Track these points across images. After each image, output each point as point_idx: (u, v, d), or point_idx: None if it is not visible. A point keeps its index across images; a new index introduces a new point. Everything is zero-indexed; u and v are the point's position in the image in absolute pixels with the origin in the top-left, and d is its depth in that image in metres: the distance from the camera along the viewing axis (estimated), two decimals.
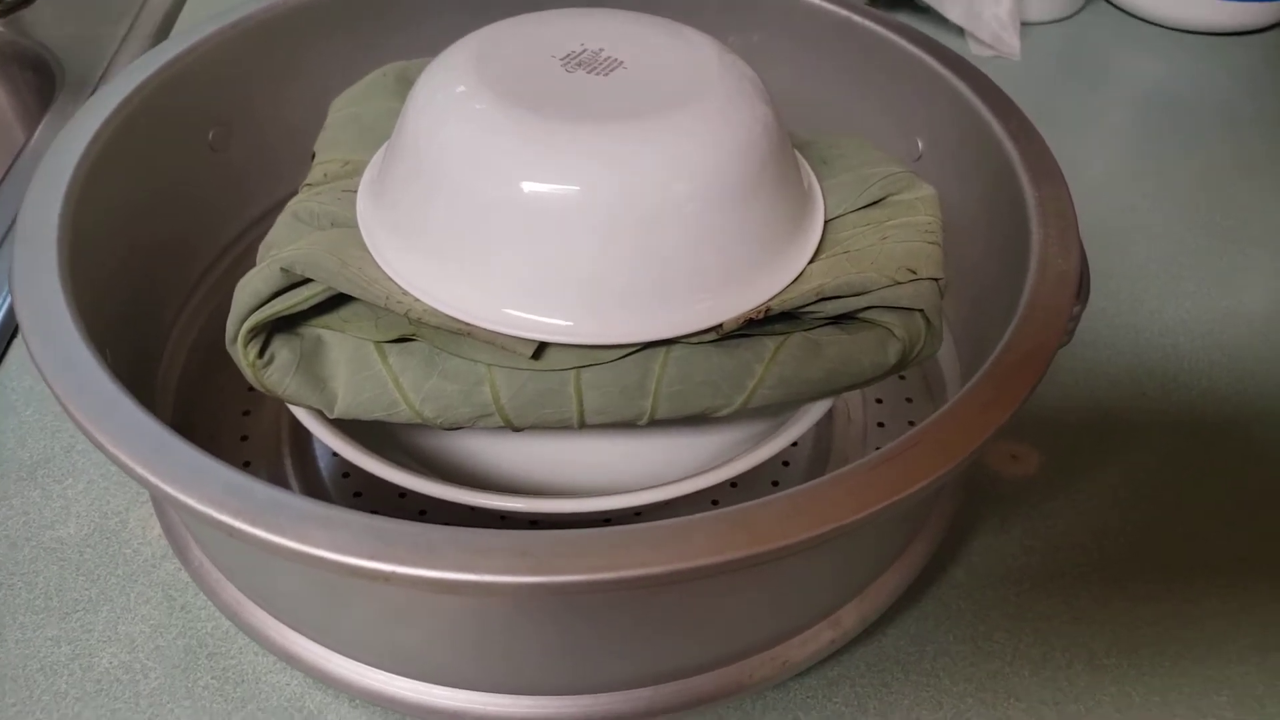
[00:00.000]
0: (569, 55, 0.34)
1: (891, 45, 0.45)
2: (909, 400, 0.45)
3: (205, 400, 0.43)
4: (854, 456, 0.42)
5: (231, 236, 0.45)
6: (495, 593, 0.24)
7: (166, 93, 0.40)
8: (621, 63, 0.33)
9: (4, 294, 0.50)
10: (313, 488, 0.41)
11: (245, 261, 0.45)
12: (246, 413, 0.43)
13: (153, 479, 0.25)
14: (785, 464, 0.42)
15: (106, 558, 0.39)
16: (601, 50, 0.34)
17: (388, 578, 0.24)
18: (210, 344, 0.43)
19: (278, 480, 0.41)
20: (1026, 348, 0.30)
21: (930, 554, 0.37)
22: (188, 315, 0.43)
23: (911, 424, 0.44)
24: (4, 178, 0.58)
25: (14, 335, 0.49)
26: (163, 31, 0.70)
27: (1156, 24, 0.74)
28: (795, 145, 0.38)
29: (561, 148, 0.30)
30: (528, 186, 0.30)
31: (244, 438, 0.43)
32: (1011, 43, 0.71)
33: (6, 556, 0.39)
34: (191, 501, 0.25)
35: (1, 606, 0.38)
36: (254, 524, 0.24)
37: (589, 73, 0.33)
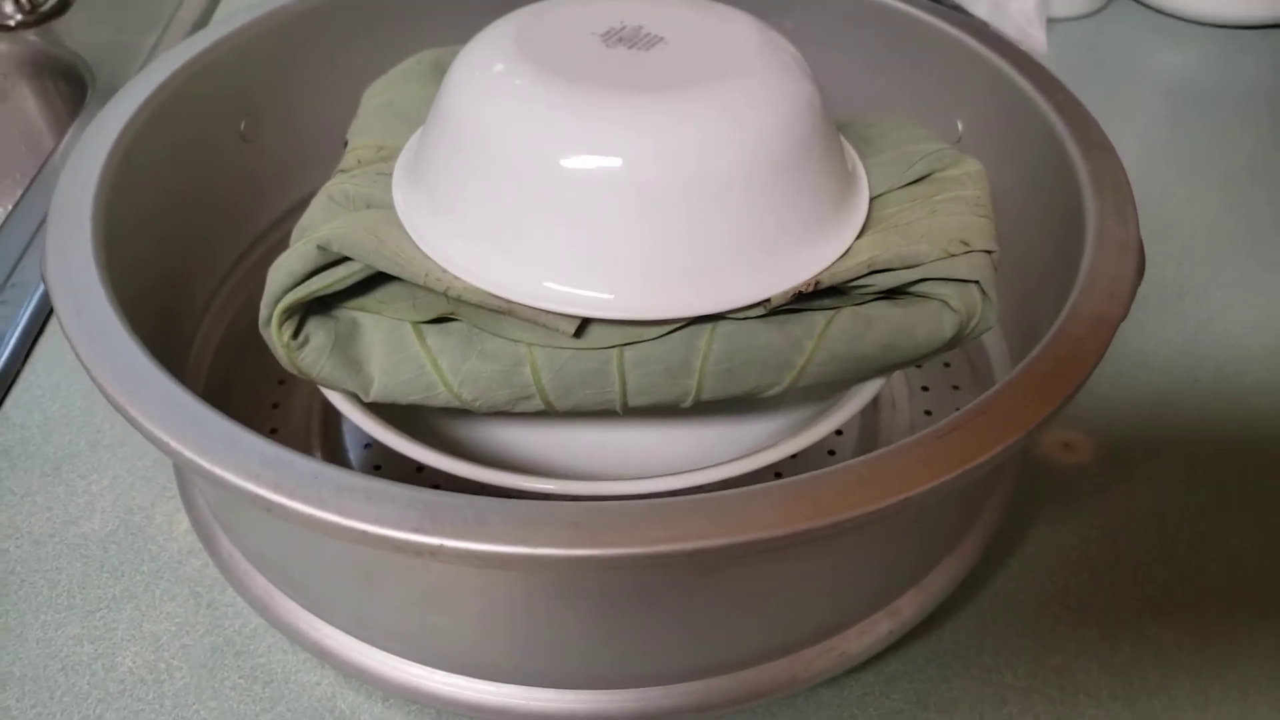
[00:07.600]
0: (609, 32, 0.33)
1: (928, 26, 0.45)
2: (955, 388, 0.44)
3: (233, 394, 0.42)
4: None
5: (261, 229, 0.45)
6: (547, 566, 0.22)
7: (199, 81, 0.40)
8: (662, 38, 0.33)
9: (30, 291, 0.50)
10: None
11: (274, 255, 0.44)
12: (275, 405, 0.42)
13: (187, 453, 0.24)
14: (831, 453, 0.41)
15: (131, 554, 0.38)
16: (642, 27, 0.33)
17: (435, 552, 0.22)
18: (238, 337, 0.42)
19: None
20: (1090, 317, 0.29)
21: (987, 542, 0.35)
22: (217, 306, 0.42)
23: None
24: (31, 183, 0.57)
25: (40, 331, 0.48)
26: None
27: (1183, 18, 0.73)
28: None
29: (603, 120, 0.30)
30: (568, 160, 0.29)
31: (273, 430, 0.42)
32: (1038, 38, 0.70)
33: (29, 553, 0.38)
34: (228, 475, 0.24)
35: (24, 604, 0.36)
36: (293, 497, 0.23)
37: (630, 48, 0.32)
